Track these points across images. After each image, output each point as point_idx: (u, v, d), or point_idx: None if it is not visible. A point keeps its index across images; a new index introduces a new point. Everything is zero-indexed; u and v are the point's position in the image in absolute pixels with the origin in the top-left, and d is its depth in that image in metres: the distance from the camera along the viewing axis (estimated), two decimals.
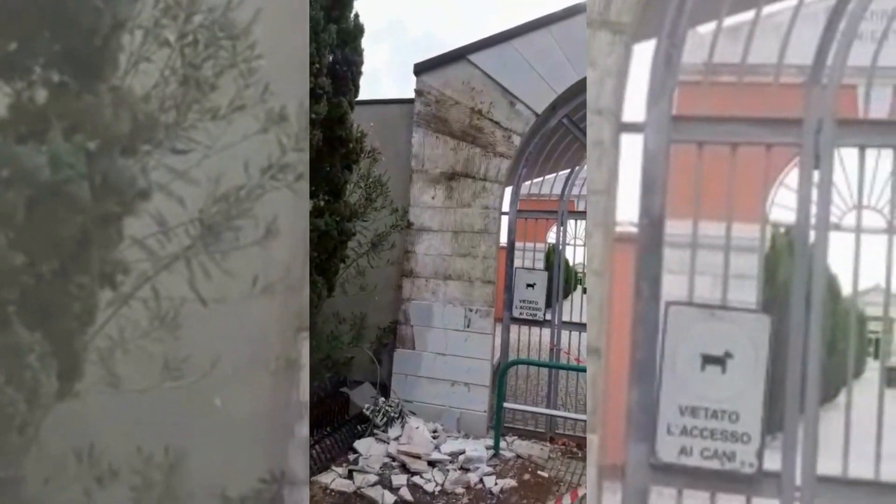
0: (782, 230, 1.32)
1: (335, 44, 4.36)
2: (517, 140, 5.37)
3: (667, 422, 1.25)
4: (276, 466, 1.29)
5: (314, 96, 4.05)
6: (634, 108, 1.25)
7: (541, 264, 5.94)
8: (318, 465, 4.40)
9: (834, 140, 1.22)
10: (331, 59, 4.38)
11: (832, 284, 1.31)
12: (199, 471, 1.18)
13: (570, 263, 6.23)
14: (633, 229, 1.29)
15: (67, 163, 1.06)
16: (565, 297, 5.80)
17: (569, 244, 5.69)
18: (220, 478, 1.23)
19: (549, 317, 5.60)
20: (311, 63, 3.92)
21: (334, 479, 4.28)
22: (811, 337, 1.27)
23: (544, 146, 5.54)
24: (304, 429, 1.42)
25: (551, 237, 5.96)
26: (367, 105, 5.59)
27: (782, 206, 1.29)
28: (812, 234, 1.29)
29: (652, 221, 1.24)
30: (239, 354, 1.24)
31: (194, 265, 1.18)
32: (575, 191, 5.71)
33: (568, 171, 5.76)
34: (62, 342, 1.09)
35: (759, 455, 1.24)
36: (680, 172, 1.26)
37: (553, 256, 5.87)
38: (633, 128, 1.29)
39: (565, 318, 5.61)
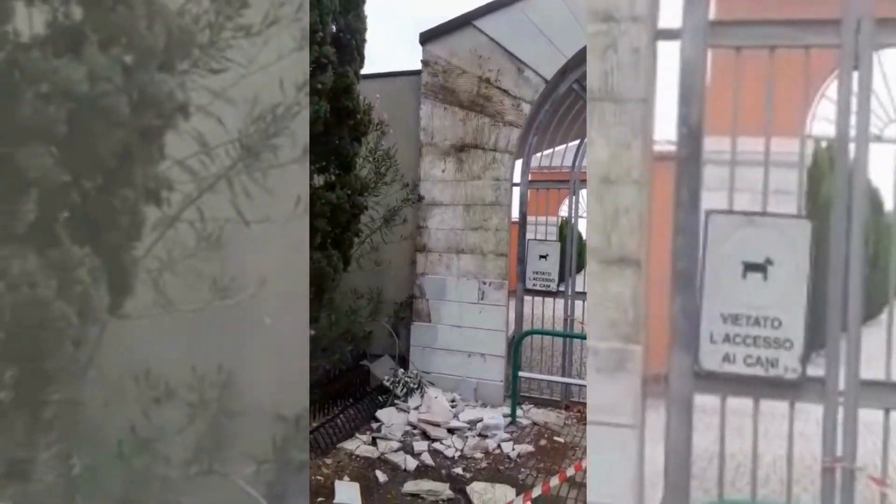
0: (824, 144, 1.30)
1: (338, 11, 4.29)
2: (526, 108, 5.32)
3: (709, 330, 1.26)
4: None
5: (319, 66, 4.00)
6: (670, 14, 1.23)
7: (554, 238, 5.88)
8: (343, 433, 4.49)
9: (873, 39, 1.20)
10: (334, 28, 4.31)
11: (874, 198, 1.29)
12: (253, 390, 1.21)
13: (584, 236, 6.20)
14: (671, 147, 1.28)
15: (105, 76, 1.07)
16: (578, 270, 5.79)
17: (581, 216, 5.66)
18: (273, 396, 1.26)
19: (562, 288, 5.61)
20: (314, 31, 3.87)
21: (359, 445, 4.37)
22: (853, 250, 1.26)
23: (555, 113, 5.47)
24: None
25: (564, 212, 5.91)
26: (374, 78, 5.54)
27: (824, 119, 1.26)
28: (853, 147, 1.27)
29: (690, 130, 1.23)
30: (285, 274, 1.26)
31: (236, 185, 1.19)
32: (587, 161, 5.62)
33: (578, 141, 5.70)
34: (110, 256, 1.11)
35: (803, 361, 1.24)
36: (720, 89, 1.24)
37: (566, 229, 5.84)
38: (669, 34, 1.28)
39: (578, 288, 5.61)
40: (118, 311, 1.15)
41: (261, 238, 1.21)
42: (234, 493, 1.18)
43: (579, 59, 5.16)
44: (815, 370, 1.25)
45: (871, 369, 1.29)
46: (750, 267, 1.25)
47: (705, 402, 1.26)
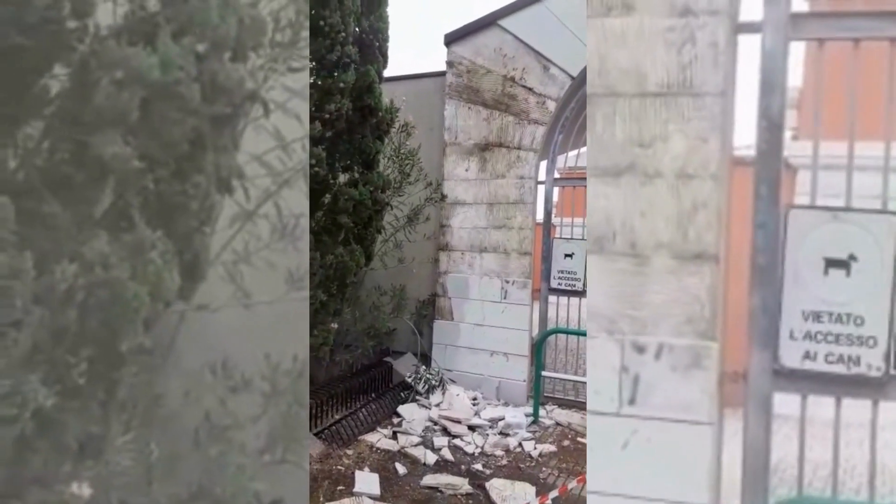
0: None
1: (360, 12, 4.32)
2: (552, 106, 5.29)
3: (789, 327, 1.23)
4: None
5: (341, 65, 4.03)
6: (751, 7, 1.21)
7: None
8: (364, 426, 4.53)
9: None
10: (356, 29, 4.34)
11: None
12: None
13: None
14: (750, 152, 1.26)
15: (177, 65, 1.09)
16: None
17: None
18: None
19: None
20: (337, 31, 3.90)
21: (380, 438, 4.40)
22: None
23: (581, 111, 5.43)
24: None
25: None
26: (399, 81, 5.57)
27: None
28: None
29: (770, 124, 1.21)
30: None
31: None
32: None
33: None
34: (182, 241, 1.13)
35: (887, 358, 1.22)
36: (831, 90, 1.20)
37: None
38: (749, 28, 1.26)
39: None
40: (190, 296, 1.16)
41: None
42: (306, 482, 1.19)
43: None
44: None
45: None
46: (832, 263, 1.23)
47: (785, 394, 1.24)
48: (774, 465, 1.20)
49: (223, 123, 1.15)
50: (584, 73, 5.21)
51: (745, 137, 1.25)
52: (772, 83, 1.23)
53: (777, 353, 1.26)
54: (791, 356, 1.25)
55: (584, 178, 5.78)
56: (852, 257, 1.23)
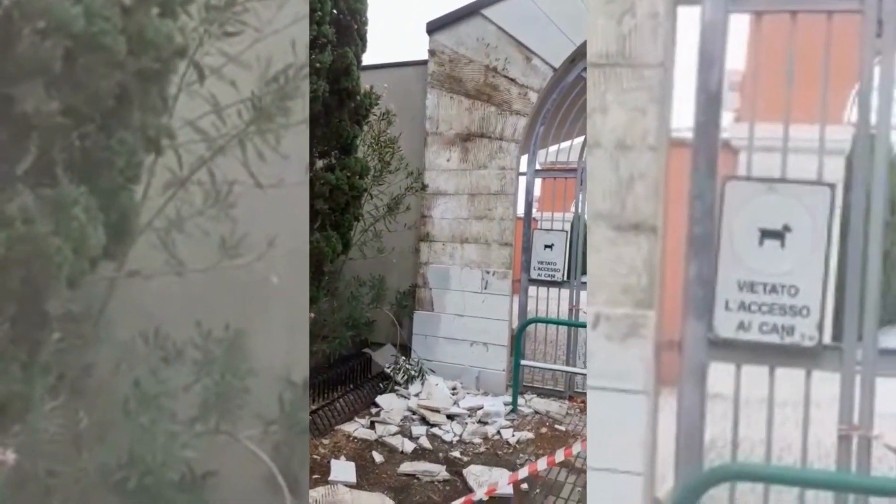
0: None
1: None
2: (534, 97, 5.28)
3: (724, 297, 1.24)
4: None
5: (317, 45, 3.94)
6: None
7: (567, 234, 5.81)
8: (342, 416, 4.51)
9: None
10: (334, 10, 4.23)
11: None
12: (261, 351, 1.20)
13: None
14: (689, 133, 1.25)
15: (102, 15, 1.05)
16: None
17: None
18: (282, 358, 1.25)
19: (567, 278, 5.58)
20: (313, 10, 3.82)
21: (357, 428, 4.38)
22: (873, 220, 1.24)
23: (562, 103, 5.43)
24: None
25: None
26: (380, 69, 5.52)
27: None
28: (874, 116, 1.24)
29: (709, 96, 1.22)
30: (295, 236, 1.25)
31: (248, 147, 1.18)
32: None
33: (584, 136, 5.66)
34: (107, 197, 1.09)
35: (820, 328, 1.23)
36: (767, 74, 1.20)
37: (577, 223, 5.80)
38: (689, 0, 1.26)
39: (584, 279, 5.59)
40: (120, 260, 1.13)
41: (272, 201, 1.20)
42: (241, 453, 1.18)
43: None
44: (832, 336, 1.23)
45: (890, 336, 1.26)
46: (767, 234, 1.23)
47: (720, 364, 1.24)
48: (711, 442, 1.21)
49: (151, 80, 1.11)
50: (566, 64, 5.20)
51: (684, 119, 1.26)
52: (711, 55, 1.23)
53: (712, 323, 1.27)
54: (726, 326, 1.26)
55: (565, 171, 5.80)
56: (787, 228, 1.24)
